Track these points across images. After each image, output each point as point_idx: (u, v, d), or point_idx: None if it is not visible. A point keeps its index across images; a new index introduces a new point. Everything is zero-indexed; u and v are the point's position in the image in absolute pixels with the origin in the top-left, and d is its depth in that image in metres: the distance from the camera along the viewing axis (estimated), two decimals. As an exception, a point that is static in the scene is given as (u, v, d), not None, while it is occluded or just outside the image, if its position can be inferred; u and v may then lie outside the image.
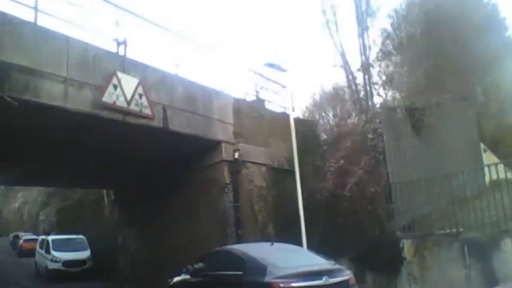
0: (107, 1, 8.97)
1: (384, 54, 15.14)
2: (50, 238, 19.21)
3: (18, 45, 7.18)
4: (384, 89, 15.50)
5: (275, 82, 12.93)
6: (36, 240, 22.35)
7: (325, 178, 11.80)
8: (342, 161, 11.66)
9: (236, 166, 11.53)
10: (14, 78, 7.09)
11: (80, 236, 19.71)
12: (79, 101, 8.10)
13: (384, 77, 15.34)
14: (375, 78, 15.82)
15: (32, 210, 33.53)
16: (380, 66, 15.64)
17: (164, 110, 9.89)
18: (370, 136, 11.45)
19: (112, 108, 8.63)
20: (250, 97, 13.14)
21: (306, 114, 18.97)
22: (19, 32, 7.18)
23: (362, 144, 11.61)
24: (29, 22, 7.48)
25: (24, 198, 35.36)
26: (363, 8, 16.02)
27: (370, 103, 15.37)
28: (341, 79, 17.12)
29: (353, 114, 14.66)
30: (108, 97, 8.52)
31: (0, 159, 11.75)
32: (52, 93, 7.66)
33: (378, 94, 15.81)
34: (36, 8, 7.68)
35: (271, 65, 11.32)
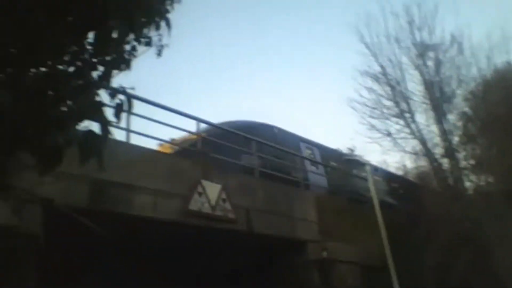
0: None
1: (468, 138, 14.46)
2: None
3: (115, 163, 7.90)
4: (475, 173, 14.54)
5: (355, 176, 12.75)
6: None
7: (423, 275, 10.82)
8: (440, 255, 10.71)
9: (325, 266, 11.03)
10: (109, 194, 7.71)
11: None
12: (167, 210, 8.52)
13: (472, 161, 14.49)
14: (463, 163, 15.03)
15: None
16: (465, 150, 14.89)
17: (247, 213, 10.02)
18: (468, 225, 10.60)
19: (198, 214, 8.93)
20: (333, 193, 12.97)
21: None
22: (115, 152, 7.95)
23: (460, 235, 10.70)
24: (124, 142, 8.30)
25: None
26: (437, 94, 15.83)
27: (461, 189, 14.42)
28: (424, 167, 16.41)
29: (444, 202, 13.76)
30: (194, 204, 8.89)
31: (92, 268, 12.30)
32: (142, 205, 8.16)
33: (469, 180, 14.88)
34: (128, 129, 8.56)
35: (350, 161, 11.29)
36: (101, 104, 1.96)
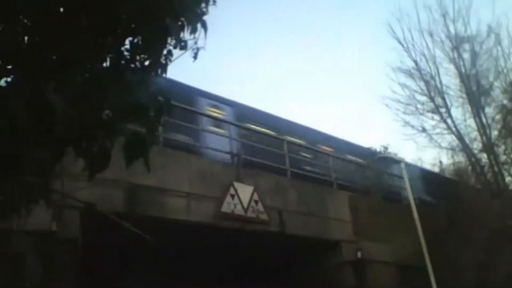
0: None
1: (508, 131, 13.93)
2: None
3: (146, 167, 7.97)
4: (516, 168, 14.02)
5: (390, 174, 12.47)
6: None
7: (464, 274, 10.45)
8: (481, 254, 10.33)
9: (360, 266, 10.82)
10: (142, 197, 7.78)
11: None
12: (200, 213, 8.54)
13: (512, 155, 13.98)
14: (503, 157, 14.50)
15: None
16: (505, 144, 14.36)
17: (280, 214, 9.93)
18: (510, 222, 10.18)
19: (231, 217, 8.92)
20: (366, 192, 12.71)
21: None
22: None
23: (502, 233, 10.29)
24: (156, 146, 8.36)
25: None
26: (474, 88, 15.35)
27: (502, 185, 13.91)
28: (461, 163, 15.94)
29: (483, 199, 13.30)
30: (227, 206, 8.89)
31: (130, 272, 12.50)
32: (175, 208, 8.21)
33: (510, 175, 14.33)
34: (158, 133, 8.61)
35: (384, 159, 11.04)
36: (146, 106, 1.95)
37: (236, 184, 9.23)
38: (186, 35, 2.23)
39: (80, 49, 1.81)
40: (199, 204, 8.57)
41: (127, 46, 2.09)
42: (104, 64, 2.02)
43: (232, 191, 9.11)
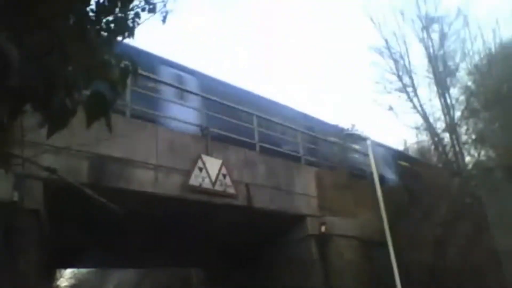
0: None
1: (471, 112, 14.39)
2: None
3: (113, 137, 7.79)
4: (476, 148, 14.54)
5: (356, 151, 12.70)
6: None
7: (422, 249, 10.90)
8: (439, 230, 10.78)
9: (323, 240, 11.09)
10: (108, 168, 7.64)
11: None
12: (168, 186, 8.47)
13: (473, 136, 14.47)
14: (464, 138, 15.02)
15: (125, 292, 34.35)
16: (467, 124, 14.85)
17: (247, 188, 9.98)
18: (467, 200, 10.63)
19: (199, 190, 8.89)
20: (332, 167, 12.93)
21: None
22: (114, 127, 7.83)
23: (459, 210, 10.74)
24: (122, 116, 8.17)
25: (119, 279, 36.56)
26: (441, 68, 15.69)
27: (461, 164, 14.45)
28: (425, 141, 16.44)
29: (444, 177, 13.79)
30: (195, 179, 8.83)
31: (97, 243, 12.41)
32: (143, 180, 8.10)
33: (469, 154, 14.89)
34: (128, 102, 8.41)
35: (351, 135, 11.21)
36: (109, 64, 1.86)
37: (204, 157, 9.17)
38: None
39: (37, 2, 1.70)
40: (166, 177, 8.49)
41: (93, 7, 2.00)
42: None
43: (200, 164, 9.04)
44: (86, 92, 1.85)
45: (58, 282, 27.60)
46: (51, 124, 1.80)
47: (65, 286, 31.76)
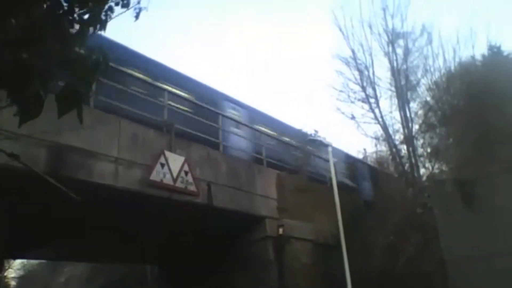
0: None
1: (428, 126, 15.00)
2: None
3: (75, 129, 7.65)
4: (430, 161, 15.18)
5: (318, 156, 12.98)
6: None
7: (374, 255, 11.28)
8: (391, 237, 11.19)
9: (280, 242, 11.27)
10: (69, 159, 7.49)
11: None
12: (128, 180, 8.38)
13: (429, 149, 15.09)
14: (420, 150, 15.63)
15: (77, 285, 33.51)
16: (424, 138, 15.47)
17: (209, 187, 10.00)
18: (419, 210, 11.09)
19: (159, 186, 8.84)
20: (293, 171, 13.16)
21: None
22: (75, 117, 7.69)
23: (411, 219, 11.19)
24: (86, 107, 8.02)
25: (70, 273, 35.59)
26: (403, 82, 16.27)
27: (416, 176, 15.02)
28: (383, 151, 16.99)
29: (399, 187, 14.33)
30: (156, 175, 8.77)
31: (49, 235, 12.09)
32: (103, 173, 8.00)
33: (424, 167, 15.51)
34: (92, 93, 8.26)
35: (313, 141, 11.46)
36: (81, 57, 1.89)
37: (167, 153, 9.12)
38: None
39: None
40: (127, 170, 8.40)
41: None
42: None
43: (162, 159, 8.99)
44: (60, 83, 1.88)
45: (6, 273, 26.63)
46: (23, 112, 1.82)
47: (13, 277, 30.56)
